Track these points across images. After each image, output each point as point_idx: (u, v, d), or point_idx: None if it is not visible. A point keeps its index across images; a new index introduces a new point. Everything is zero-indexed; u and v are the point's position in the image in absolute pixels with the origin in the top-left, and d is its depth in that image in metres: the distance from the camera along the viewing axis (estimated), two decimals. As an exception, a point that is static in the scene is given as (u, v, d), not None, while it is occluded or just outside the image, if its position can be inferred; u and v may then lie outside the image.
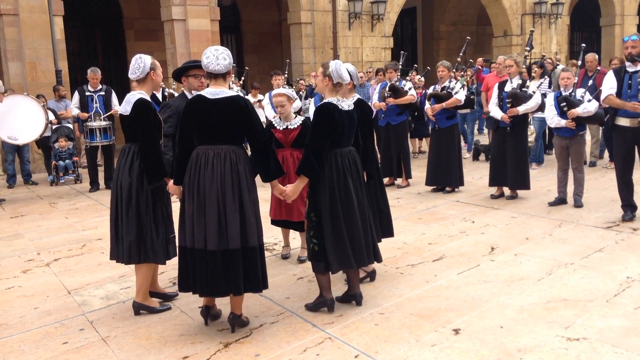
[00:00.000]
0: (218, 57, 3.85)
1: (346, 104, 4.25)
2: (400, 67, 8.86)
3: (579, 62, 8.17)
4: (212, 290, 3.85)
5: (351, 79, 4.58)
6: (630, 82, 6.01)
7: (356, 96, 4.80)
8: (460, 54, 8.90)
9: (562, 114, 6.94)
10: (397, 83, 8.63)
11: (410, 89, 8.64)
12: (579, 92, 7.02)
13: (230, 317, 4.01)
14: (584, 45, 8.20)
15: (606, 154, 10.30)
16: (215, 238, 3.77)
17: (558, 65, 11.65)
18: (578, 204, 7.06)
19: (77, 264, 5.74)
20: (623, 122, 6.18)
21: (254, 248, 3.86)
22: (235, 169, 3.84)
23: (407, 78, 9.83)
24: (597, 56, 10.20)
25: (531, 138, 9.31)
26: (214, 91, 3.86)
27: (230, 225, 3.78)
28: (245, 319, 4.11)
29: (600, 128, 9.82)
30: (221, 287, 3.81)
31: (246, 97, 5.24)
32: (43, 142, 10.66)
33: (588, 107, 6.81)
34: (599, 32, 21.98)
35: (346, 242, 4.12)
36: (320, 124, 4.09)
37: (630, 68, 6.07)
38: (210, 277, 3.79)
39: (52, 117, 10.37)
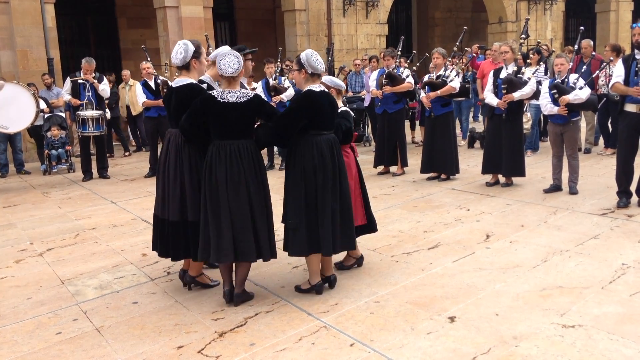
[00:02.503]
0: (177, 51, 4.36)
1: (235, 95, 4.11)
2: (398, 53, 8.79)
3: (576, 47, 8.11)
4: (158, 250, 4.55)
5: (303, 67, 4.32)
6: (637, 69, 6.00)
7: (310, 86, 4.32)
8: (457, 44, 8.84)
9: (555, 101, 6.92)
10: (395, 70, 8.57)
11: (407, 76, 8.59)
12: (572, 77, 6.99)
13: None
14: (582, 28, 8.13)
15: (601, 140, 10.30)
16: (160, 208, 4.44)
17: (553, 51, 11.62)
18: (573, 191, 7.06)
19: (71, 254, 5.70)
20: (629, 107, 6.22)
21: (185, 222, 4.33)
22: (180, 151, 4.32)
23: (405, 65, 9.73)
24: (592, 42, 10.17)
25: (527, 125, 9.28)
26: (177, 80, 4.43)
27: (171, 199, 4.33)
28: (205, 281, 4.62)
29: (596, 115, 9.81)
30: (162, 249, 4.50)
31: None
32: (35, 131, 10.58)
33: (579, 94, 6.78)
34: (594, 19, 21.92)
35: (207, 235, 4.14)
36: (190, 108, 4.22)
37: (638, 55, 6.07)
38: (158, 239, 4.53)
39: (44, 105, 10.28)
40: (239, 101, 4.11)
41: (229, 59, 4.12)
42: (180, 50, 4.32)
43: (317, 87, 4.34)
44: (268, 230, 4.23)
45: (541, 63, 9.37)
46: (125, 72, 13.01)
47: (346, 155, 4.70)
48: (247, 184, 4.12)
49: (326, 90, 4.45)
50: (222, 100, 4.10)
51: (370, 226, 4.96)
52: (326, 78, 4.68)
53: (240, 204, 4.11)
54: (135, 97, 12.07)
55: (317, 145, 4.24)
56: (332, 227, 4.27)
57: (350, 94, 12.04)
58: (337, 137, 4.50)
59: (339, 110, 4.64)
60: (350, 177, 4.62)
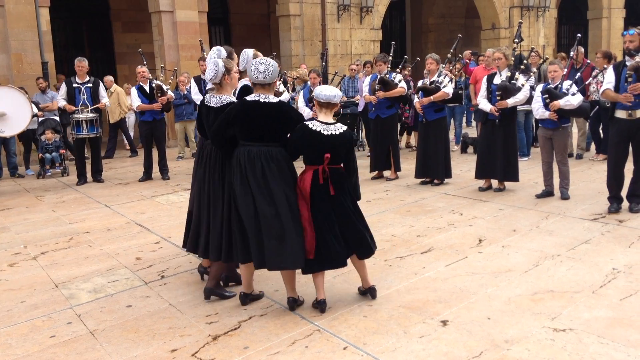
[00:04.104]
0: (211, 56, 4.62)
1: (215, 100, 4.40)
2: (390, 59, 8.84)
3: (572, 53, 8.19)
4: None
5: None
6: (627, 75, 6.06)
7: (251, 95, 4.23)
8: (451, 51, 8.90)
9: (547, 105, 6.98)
10: (387, 76, 8.62)
11: (400, 81, 8.64)
12: (566, 84, 7.04)
13: None
14: (579, 35, 8.20)
15: (592, 146, 10.38)
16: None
17: (547, 58, 11.70)
18: (564, 197, 7.11)
19: (64, 257, 5.70)
20: (620, 114, 6.28)
21: None
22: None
23: (397, 70, 9.78)
24: (583, 49, 10.26)
25: None
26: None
27: None
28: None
29: (588, 121, 9.88)
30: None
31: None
32: (26, 135, 10.49)
33: (571, 100, 6.84)
34: (586, 25, 22.08)
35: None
36: None
37: (629, 62, 6.13)
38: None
39: (35, 109, 10.26)
40: (215, 106, 4.37)
41: (208, 67, 4.38)
42: (213, 55, 4.68)
43: (254, 96, 4.14)
44: (217, 231, 4.36)
45: (531, 73, 9.43)
46: (108, 78, 12.76)
47: (300, 179, 4.21)
48: (206, 183, 4.40)
49: (265, 100, 4.10)
50: (205, 103, 4.46)
51: (315, 263, 4.14)
52: (315, 90, 4.26)
53: (199, 202, 4.49)
54: (114, 104, 12.07)
55: (237, 155, 4.15)
56: (232, 236, 4.23)
57: (344, 98, 12.09)
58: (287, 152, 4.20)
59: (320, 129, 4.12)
60: (301, 203, 4.16)
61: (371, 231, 4.38)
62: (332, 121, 4.19)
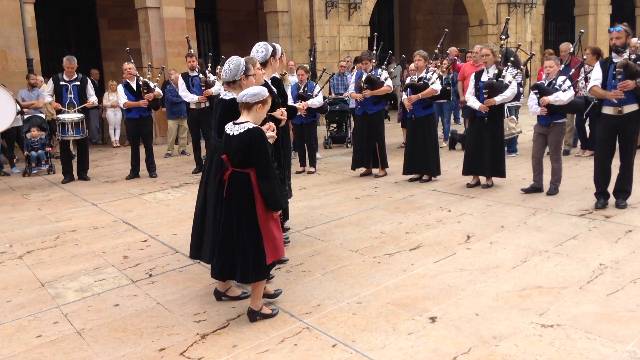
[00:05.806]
0: (257, 50, 4.97)
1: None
2: (375, 54, 8.81)
3: (572, 49, 8.23)
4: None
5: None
6: (615, 72, 6.10)
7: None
8: (438, 46, 8.91)
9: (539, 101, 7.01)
10: (373, 73, 8.61)
11: (386, 79, 8.63)
12: (560, 79, 7.05)
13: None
14: (582, 31, 8.23)
15: (579, 142, 10.43)
16: None
17: (533, 54, 11.74)
18: (552, 192, 7.14)
19: (51, 256, 5.65)
20: (606, 110, 6.32)
21: None
22: None
23: (382, 67, 9.77)
24: (571, 45, 10.30)
25: (519, 128, 9.43)
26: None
27: None
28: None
29: (574, 117, 9.93)
30: None
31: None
32: (10, 133, 10.34)
33: (560, 95, 6.86)
34: (572, 22, 22.20)
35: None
36: None
37: (616, 59, 6.16)
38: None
39: (19, 107, 10.13)
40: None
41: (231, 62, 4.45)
42: (261, 50, 4.92)
43: (223, 94, 4.51)
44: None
45: (517, 70, 9.47)
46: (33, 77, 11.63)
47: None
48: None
49: (223, 97, 4.45)
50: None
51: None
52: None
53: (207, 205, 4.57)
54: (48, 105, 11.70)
55: None
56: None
57: (332, 95, 12.08)
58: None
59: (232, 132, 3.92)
60: None
61: (260, 257, 3.87)
62: (243, 120, 3.90)
